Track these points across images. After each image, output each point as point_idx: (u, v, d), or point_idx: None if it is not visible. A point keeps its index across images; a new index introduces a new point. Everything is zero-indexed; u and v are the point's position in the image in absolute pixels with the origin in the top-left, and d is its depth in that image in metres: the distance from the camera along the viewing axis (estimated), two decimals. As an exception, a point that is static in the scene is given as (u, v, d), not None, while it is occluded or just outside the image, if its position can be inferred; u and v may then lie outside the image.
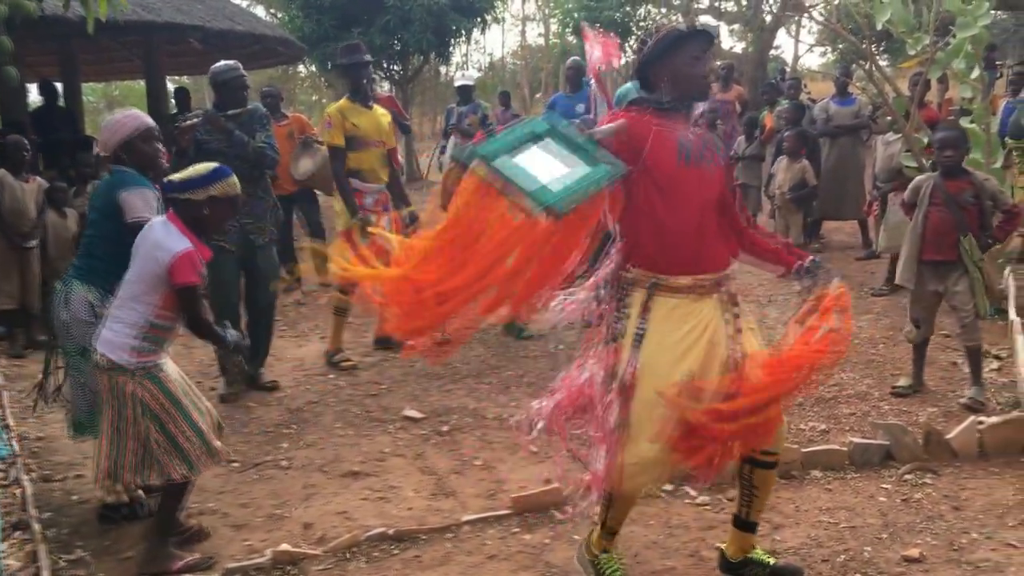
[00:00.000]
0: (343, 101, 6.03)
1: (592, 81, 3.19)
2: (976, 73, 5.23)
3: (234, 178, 3.54)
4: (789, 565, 3.14)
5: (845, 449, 4.05)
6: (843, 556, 3.26)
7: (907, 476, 3.90)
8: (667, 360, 2.73)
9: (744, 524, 3.08)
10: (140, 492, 3.79)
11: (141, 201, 3.72)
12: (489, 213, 2.59)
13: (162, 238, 3.36)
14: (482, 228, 2.59)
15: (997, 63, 13.96)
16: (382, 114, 6.07)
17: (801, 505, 3.68)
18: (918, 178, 4.98)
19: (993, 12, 4.74)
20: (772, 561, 3.09)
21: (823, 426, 4.52)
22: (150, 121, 3.89)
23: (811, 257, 2.99)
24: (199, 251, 3.39)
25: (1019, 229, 5.70)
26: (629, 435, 2.75)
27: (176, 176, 3.50)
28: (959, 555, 3.24)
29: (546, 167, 2.61)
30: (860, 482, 3.88)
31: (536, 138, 2.68)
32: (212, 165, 3.55)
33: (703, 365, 2.74)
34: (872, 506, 3.66)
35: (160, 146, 3.90)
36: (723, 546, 3.17)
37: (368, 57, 6.17)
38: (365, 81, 6.03)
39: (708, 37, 2.89)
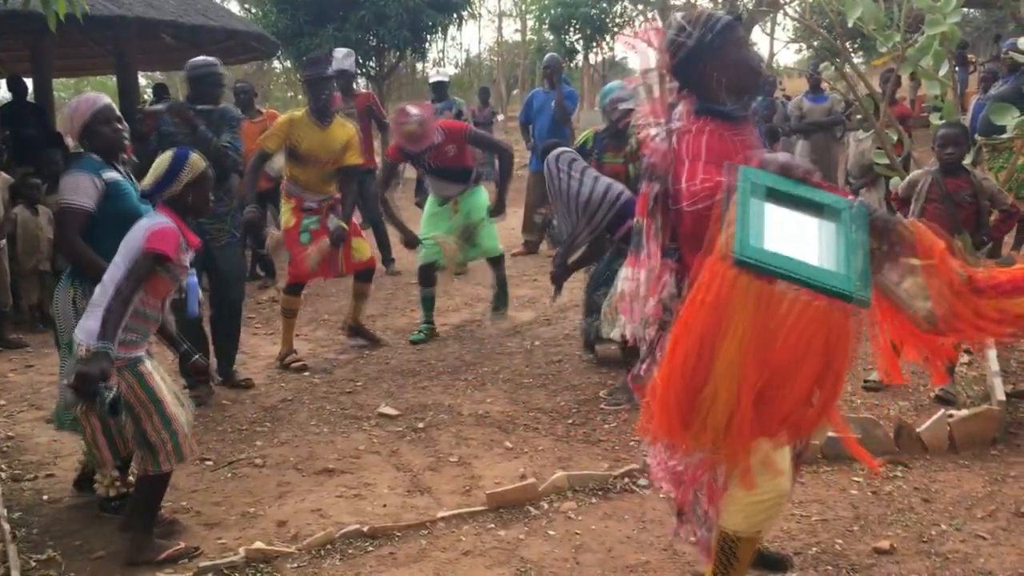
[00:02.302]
0: (301, 113, 5.78)
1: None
2: (944, 70, 5.25)
3: (195, 155, 3.47)
4: (777, 552, 3.17)
5: (817, 443, 4.08)
6: (815, 548, 3.29)
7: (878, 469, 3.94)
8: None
9: None
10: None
11: (71, 188, 3.67)
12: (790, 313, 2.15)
13: (146, 219, 3.36)
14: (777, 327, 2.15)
15: (970, 60, 14.16)
16: (339, 132, 5.75)
17: (774, 499, 3.70)
18: (915, 173, 4.96)
19: (965, 9, 4.77)
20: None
21: (796, 420, 4.55)
22: (106, 100, 3.85)
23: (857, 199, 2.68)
24: (185, 236, 3.35)
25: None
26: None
27: (146, 183, 3.45)
28: (929, 547, 3.28)
29: (797, 239, 2.17)
30: (832, 475, 3.91)
31: (759, 199, 2.20)
32: (168, 155, 3.46)
33: None
34: (844, 499, 3.69)
35: (121, 125, 3.86)
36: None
37: (331, 71, 5.89)
38: (324, 96, 5.70)
39: (740, 22, 2.71)
